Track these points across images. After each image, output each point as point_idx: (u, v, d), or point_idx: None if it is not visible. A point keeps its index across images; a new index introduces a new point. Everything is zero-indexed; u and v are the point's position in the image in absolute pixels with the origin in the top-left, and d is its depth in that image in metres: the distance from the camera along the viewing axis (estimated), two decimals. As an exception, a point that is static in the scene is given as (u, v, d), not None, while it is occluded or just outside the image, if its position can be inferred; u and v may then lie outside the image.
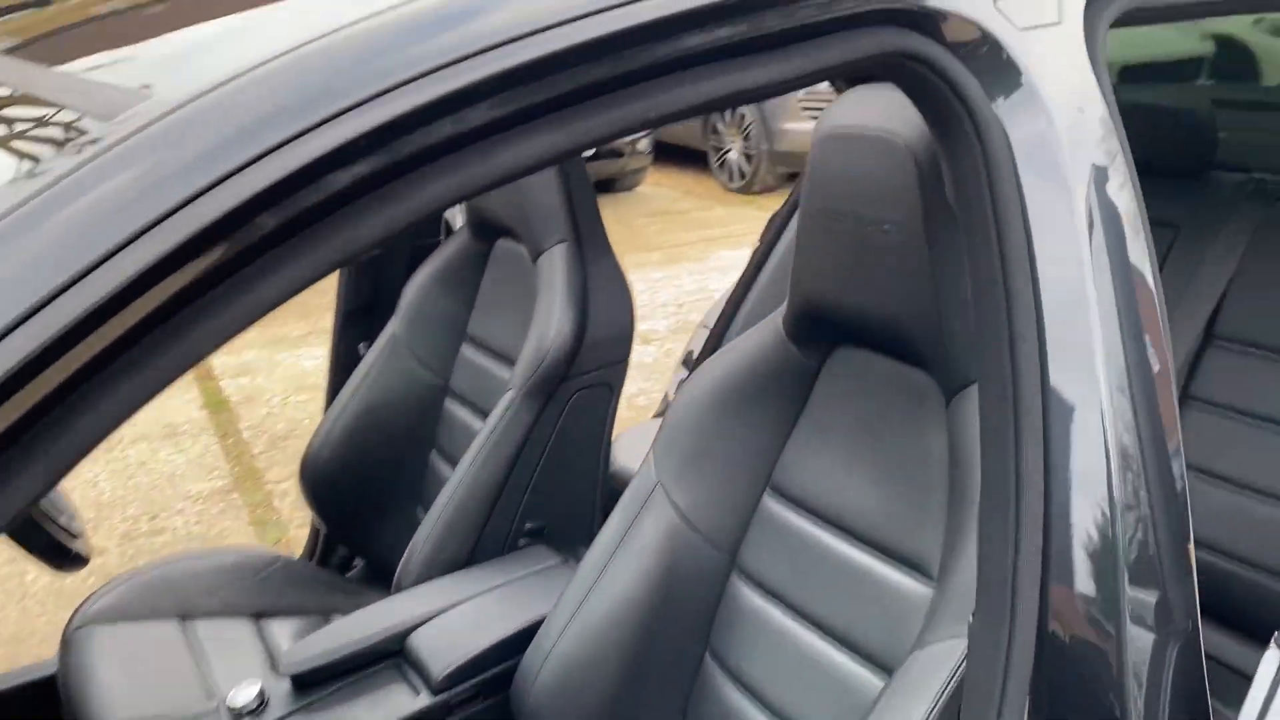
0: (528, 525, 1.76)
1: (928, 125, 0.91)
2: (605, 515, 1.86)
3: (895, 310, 1.17)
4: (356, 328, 2.27)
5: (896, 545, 1.22)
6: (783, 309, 1.37)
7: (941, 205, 1.10)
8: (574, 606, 1.43)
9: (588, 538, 1.80)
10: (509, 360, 1.94)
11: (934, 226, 1.11)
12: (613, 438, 1.86)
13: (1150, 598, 0.83)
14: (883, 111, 1.15)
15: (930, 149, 1.10)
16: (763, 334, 1.39)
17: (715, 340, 2.69)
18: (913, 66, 0.83)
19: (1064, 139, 0.86)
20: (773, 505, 1.39)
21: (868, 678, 1.21)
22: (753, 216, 7.34)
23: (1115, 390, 0.83)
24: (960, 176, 0.88)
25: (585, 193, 1.84)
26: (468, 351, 2.11)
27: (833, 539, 1.30)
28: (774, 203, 7.57)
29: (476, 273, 2.10)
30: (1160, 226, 1.53)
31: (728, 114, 7.84)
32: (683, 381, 1.48)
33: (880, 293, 1.18)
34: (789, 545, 1.35)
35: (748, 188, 7.85)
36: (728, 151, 7.99)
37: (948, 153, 0.89)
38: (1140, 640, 0.83)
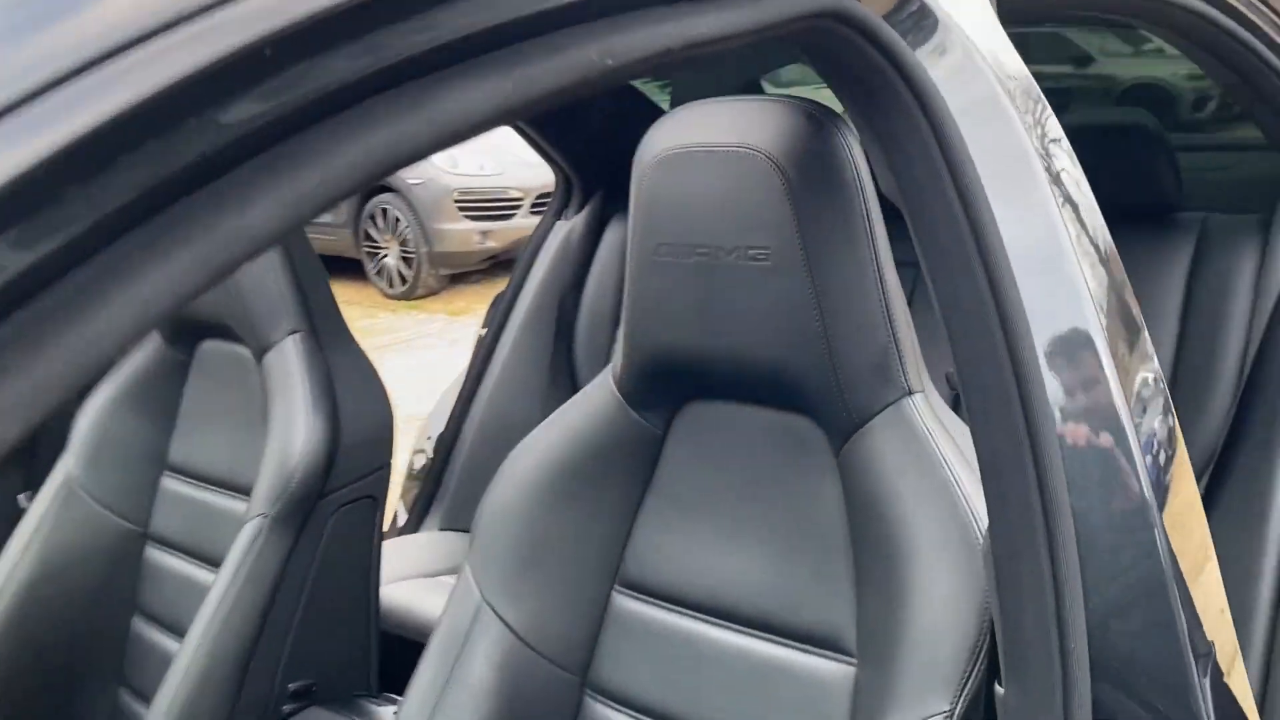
0: (292, 686, 1.40)
1: (855, 108, 0.76)
2: (381, 655, 1.54)
3: (771, 350, 1.01)
4: (13, 475, 1.79)
5: (797, 623, 1.04)
6: (610, 369, 1.17)
7: (817, 222, 0.96)
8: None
9: (367, 686, 1.48)
10: (235, 487, 1.58)
11: (814, 246, 0.96)
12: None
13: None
14: (730, 125, 1.00)
15: (797, 160, 0.95)
16: (591, 401, 1.18)
17: (449, 440, 2.44)
18: (843, 33, 0.68)
19: (1008, 106, 0.74)
20: (625, 604, 1.17)
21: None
22: (420, 321, 7.08)
23: (1127, 384, 0.71)
24: (905, 161, 0.73)
25: (315, 272, 1.55)
26: (171, 485, 1.71)
27: (712, 631, 1.10)
28: (440, 305, 7.38)
29: (174, 387, 1.72)
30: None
31: (380, 219, 7.56)
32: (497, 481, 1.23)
33: (751, 332, 1.01)
34: (654, 649, 1.13)
35: (410, 293, 7.58)
36: (384, 257, 7.69)
37: (885, 135, 0.74)
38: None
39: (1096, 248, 0.73)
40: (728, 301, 1.01)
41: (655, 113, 1.51)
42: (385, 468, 1.51)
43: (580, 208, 2.43)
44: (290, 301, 1.50)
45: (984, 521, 0.90)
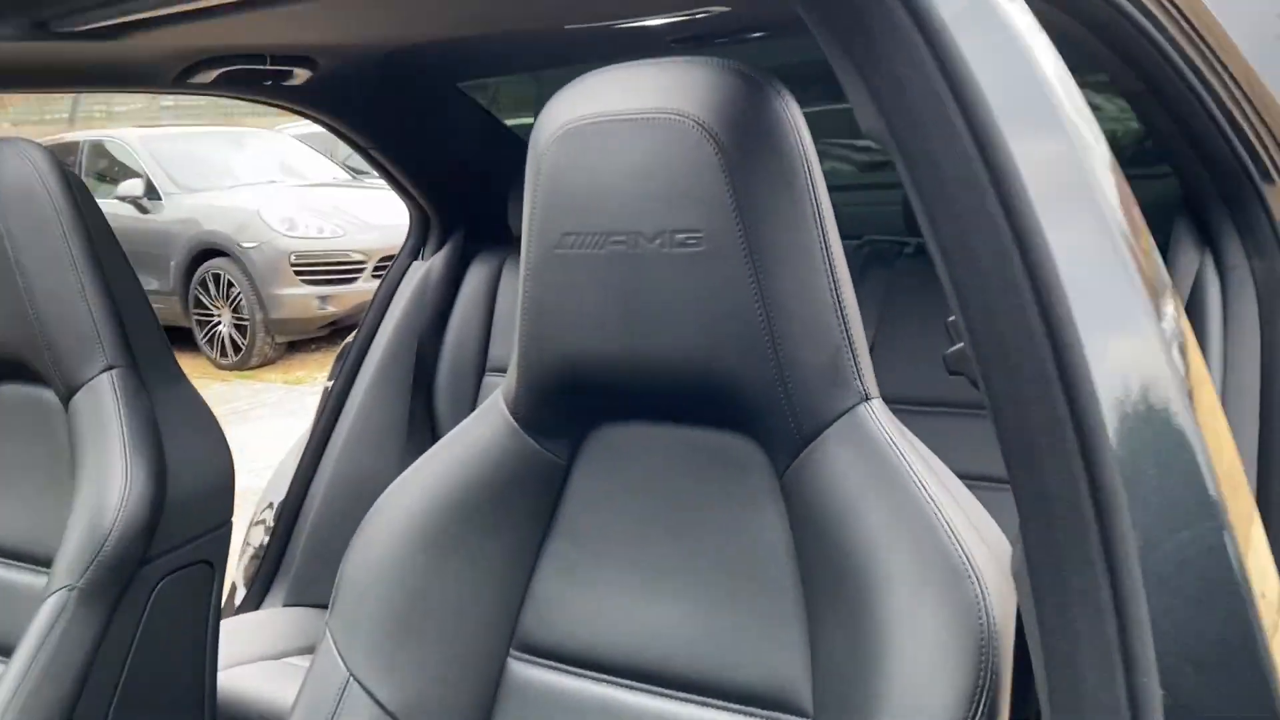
0: (105, 796, 1.14)
1: (828, 30, 0.62)
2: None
3: (703, 352, 0.85)
4: None
5: (737, 682, 0.87)
6: (502, 391, 0.99)
7: (756, 198, 0.82)
8: None
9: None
10: (35, 559, 1.31)
11: (754, 227, 0.82)
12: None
13: None
14: (647, 87, 0.85)
15: (731, 125, 0.81)
16: (478, 429, 0.99)
17: (293, 506, 2.18)
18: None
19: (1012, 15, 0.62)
20: (525, 672, 0.97)
21: None
22: (255, 391, 6.67)
23: (1178, 357, 0.58)
24: (894, 87, 0.60)
25: (136, 298, 1.32)
26: (-46, 560, 1.42)
27: (633, 697, 0.92)
28: (276, 375, 6.97)
29: (-41, 442, 1.44)
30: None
31: (211, 285, 7.12)
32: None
33: (677, 333, 0.85)
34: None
35: (244, 362, 7.14)
36: (216, 325, 7.23)
37: (867, 60, 0.61)
38: None
39: (1120, 191, 0.61)
40: (650, 297, 0.85)
41: (520, 146, 1.37)
42: (225, 526, 1.28)
43: (439, 246, 2.25)
44: (106, 331, 1.26)
45: (967, 545, 0.76)
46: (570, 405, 0.95)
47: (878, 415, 0.83)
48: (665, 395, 0.90)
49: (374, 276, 6.88)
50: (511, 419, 0.97)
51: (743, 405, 0.86)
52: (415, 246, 2.29)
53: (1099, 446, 0.54)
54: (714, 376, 0.86)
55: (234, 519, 1.30)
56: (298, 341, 7.27)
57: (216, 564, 1.27)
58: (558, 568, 0.98)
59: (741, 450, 0.89)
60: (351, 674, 0.95)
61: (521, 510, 0.98)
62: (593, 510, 0.96)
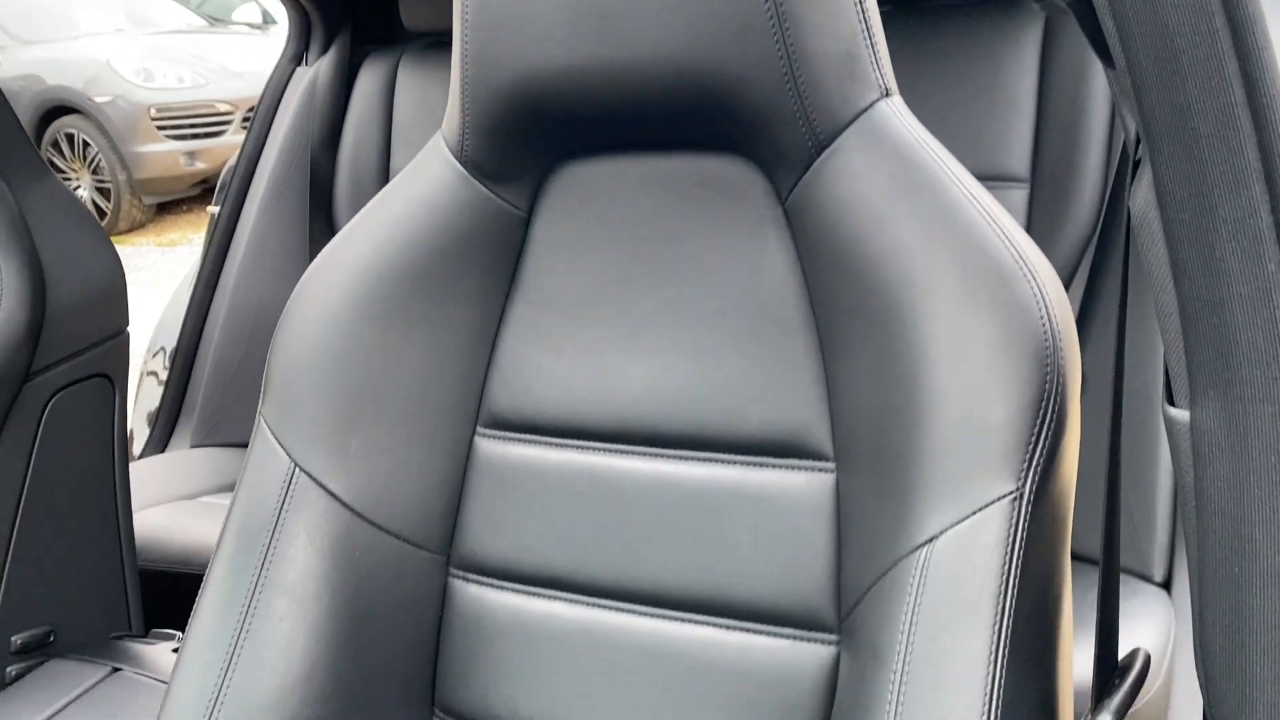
0: (18, 640, 1.01)
1: None
2: (140, 588, 1.17)
3: (696, 56, 0.72)
4: None
5: (742, 433, 0.78)
6: (441, 134, 0.85)
7: None
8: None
9: (127, 624, 1.11)
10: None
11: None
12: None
13: None
14: None
15: None
16: (420, 182, 0.85)
17: (189, 347, 2.01)
18: None
19: None
20: (493, 449, 0.86)
21: (784, 651, 0.75)
22: (127, 256, 6.24)
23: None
24: None
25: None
26: None
27: (623, 461, 0.82)
28: (148, 238, 6.54)
29: None
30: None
31: (65, 145, 6.57)
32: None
33: (662, 34, 0.72)
34: (539, 501, 0.84)
35: (111, 227, 6.66)
36: (76, 189, 6.72)
37: None
38: None
39: None
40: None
41: None
42: (121, 336, 1.12)
43: (324, 49, 2.03)
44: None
45: (1018, 243, 0.66)
46: (527, 140, 0.81)
47: (900, 112, 0.72)
48: (643, 117, 0.77)
49: (243, 128, 6.44)
50: (457, 164, 0.83)
51: (741, 117, 0.74)
52: (297, 51, 2.06)
53: (1256, 39, 0.43)
54: (705, 84, 0.73)
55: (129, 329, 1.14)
56: (169, 202, 6.82)
57: (115, 378, 1.12)
58: (525, 332, 0.86)
59: (735, 175, 0.77)
60: (296, 464, 0.83)
61: (478, 269, 0.85)
62: (560, 262, 0.84)
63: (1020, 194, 1.53)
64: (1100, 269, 1.46)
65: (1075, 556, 0.72)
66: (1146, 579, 1.28)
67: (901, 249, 0.68)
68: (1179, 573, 1.28)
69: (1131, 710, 1.10)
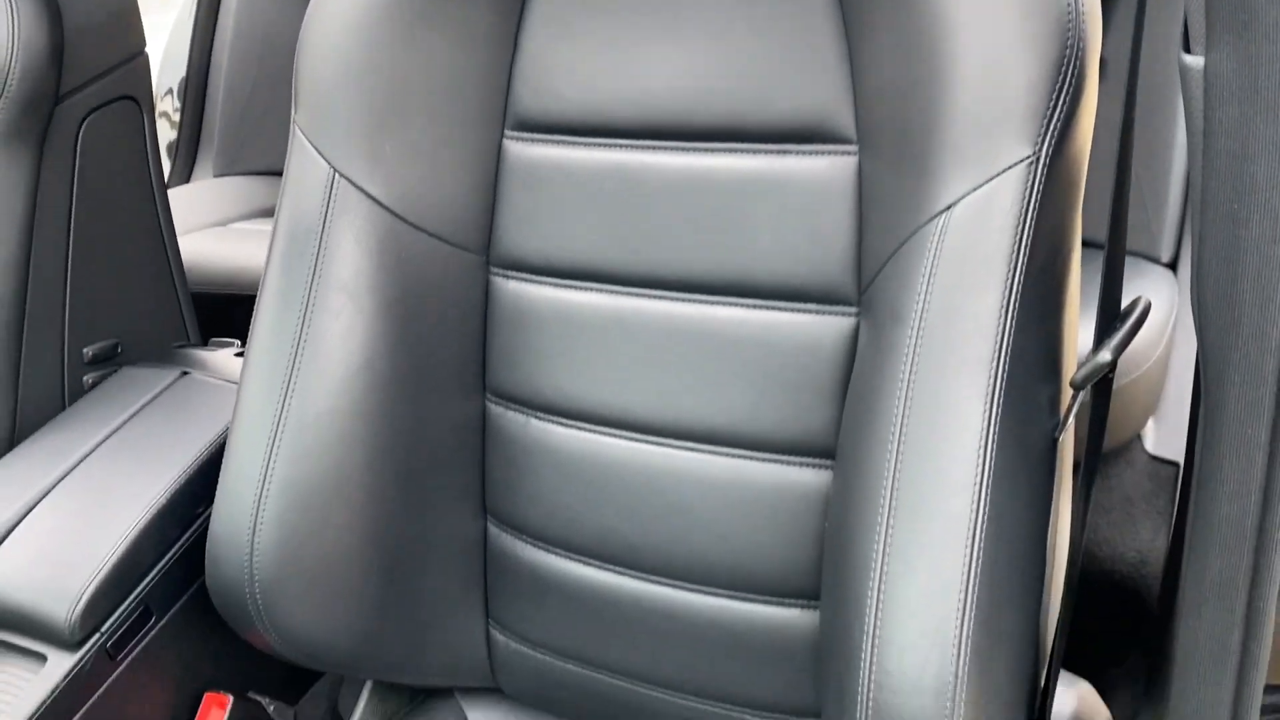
0: (89, 351, 1.08)
1: None
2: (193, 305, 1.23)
3: None
4: None
5: (772, 117, 0.79)
6: None
7: None
8: (266, 437, 0.85)
9: (183, 333, 1.18)
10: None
11: None
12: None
13: None
14: None
15: None
16: None
17: (198, 79, 1.99)
18: None
19: None
20: (524, 152, 0.89)
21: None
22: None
23: None
24: None
25: None
26: None
27: (652, 157, 0.84)
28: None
29: None
30: None
31: None
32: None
33: None
34: (572, 197, 0.87)
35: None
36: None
37: None
38: None
39: None
40: None
41: None
42: (141, 56, 1.12)
43: None
44: None
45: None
46: None
47: None
48: None
49: None
50: None
51: None
52: None
53: None
54: None
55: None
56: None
57: (141, 101, 1.13)
58: (545, 29, 0.86)
59: None
60: (335, 169, 0.86)
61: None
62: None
63: None
64: None
65: (1086, 244, 0.75)
66: (1154, 260, 1.33)
67: None
68: (1185, 255, 1.33)
69: (1130, 377, 1.18)
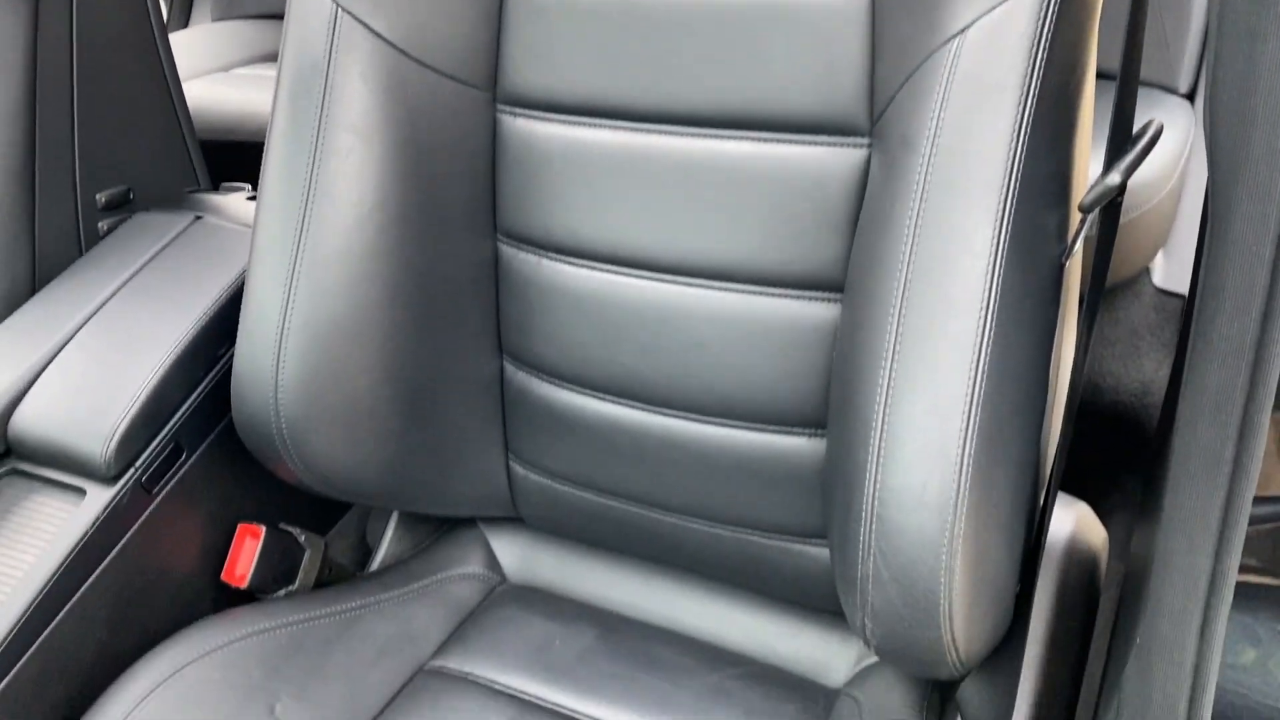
0: (101, 197, 1.09)
1: None
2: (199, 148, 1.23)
3: None
4: None
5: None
6: None
7: None
8: (283, 278, 0.86)
9: (194, 178, 1.18)
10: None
11: None
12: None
13: None
14: None
15: None
16: None
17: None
18: None
19: None
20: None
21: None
22: None
23: None
24: None
25: None
26: None
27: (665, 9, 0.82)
28: None
29: None
30: None
31: None
32: None
33: None
34: (580, 35, 0.85)
35: None
36: None
37: None
38: None
39: None
40: None
41: None
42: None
43: None
44: None
45: None
46: None
47: None
48: None
49: None
50: None
51: None
52: None
53: None
54: None
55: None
56: None
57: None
58: None
59: None
60: (337, 3, 0.84)
61: None
62: None
63: None
64: None
65: (1103, 75, 0.74)
66: (1171, 90, 1.31)
67: None
68: (1204, 86, 1.30)
69: (1141, 210, 1.18)
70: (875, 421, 0.67)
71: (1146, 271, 1.19)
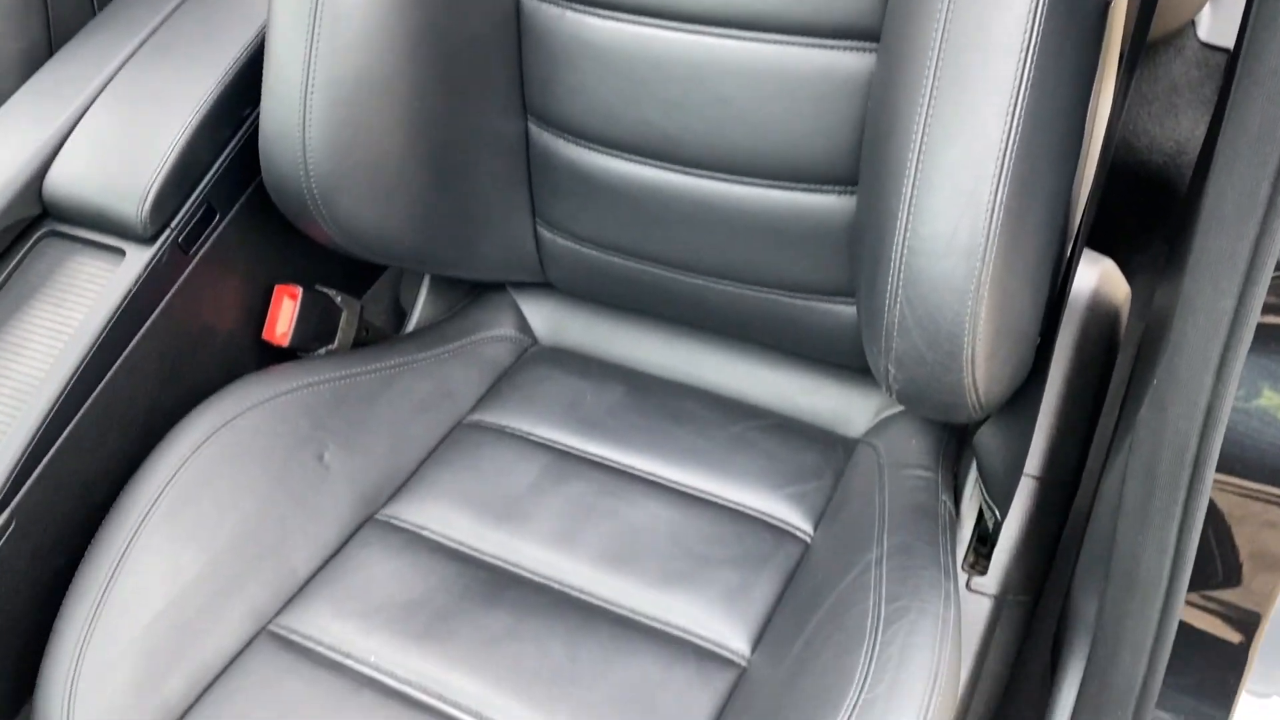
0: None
1: None
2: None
3: None
4: None
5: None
6: None
7: None
8: (304, 34, 0.84)
9: None
10: None
11: None
12: None
13: None
14: None
15: None
16: None
17: None
18: None
19: None
20: None
21: None
22: None
23: None
24: None
25: None
26: None
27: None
28: None
29: None
30: None
31: None
32: None
33: None
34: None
35: None
36: None
37: None
38: None
39: None
40: None
41: None
42: None
43: None
44: None
45: None
46: None
47: None
48: None
49: None
50: None
51: None
52: None
53: None
54: None
55: None
56: None
57: None
58: None
59: None
60: None
61: None
62: None
63: None
64: None
65: None
66: None
67: None
68: None
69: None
70: (908, 169, 0.67)
71: (1192, 24, 1.14)
